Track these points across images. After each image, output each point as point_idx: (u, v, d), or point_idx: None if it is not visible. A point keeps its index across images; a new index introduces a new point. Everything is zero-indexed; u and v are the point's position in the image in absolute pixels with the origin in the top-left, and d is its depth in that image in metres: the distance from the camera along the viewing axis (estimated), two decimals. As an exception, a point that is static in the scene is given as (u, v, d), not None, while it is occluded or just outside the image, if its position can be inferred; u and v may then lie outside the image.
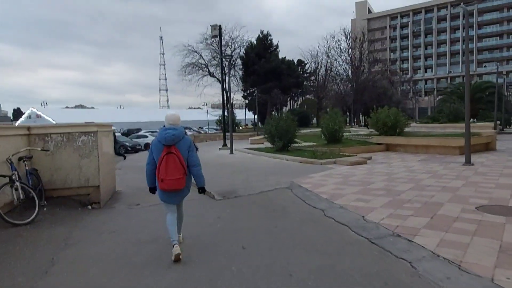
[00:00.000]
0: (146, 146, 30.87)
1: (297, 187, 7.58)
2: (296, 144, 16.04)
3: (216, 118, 37.39)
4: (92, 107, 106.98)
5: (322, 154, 12.98)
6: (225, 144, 19.93)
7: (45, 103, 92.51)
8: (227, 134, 19.16)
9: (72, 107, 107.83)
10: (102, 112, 70.81)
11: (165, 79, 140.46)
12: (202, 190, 4.16)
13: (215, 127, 49.20)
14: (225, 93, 22.76)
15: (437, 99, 40.16)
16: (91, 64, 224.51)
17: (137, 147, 28.25)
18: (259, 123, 46.49)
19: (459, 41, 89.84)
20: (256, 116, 47.93)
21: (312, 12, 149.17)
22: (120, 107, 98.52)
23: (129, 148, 27.66)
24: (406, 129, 17.19)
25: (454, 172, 8.85)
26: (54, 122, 53.59)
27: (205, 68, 40.67)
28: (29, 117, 56.00)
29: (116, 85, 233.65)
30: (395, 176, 8.48)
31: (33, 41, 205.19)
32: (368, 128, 28.33)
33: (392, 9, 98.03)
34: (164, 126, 4.03)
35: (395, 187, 7.18)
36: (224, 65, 22.46)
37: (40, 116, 54.76)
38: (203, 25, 39.59)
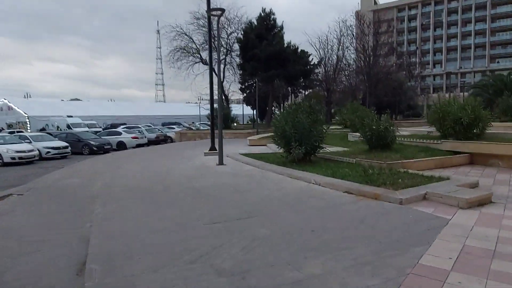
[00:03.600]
0: (120, 145, 24.91)
1: None
2: (321, 150, 10.11)
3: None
4: (88, 101, 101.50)
5: (379, 174, 7.25)
6: (213, 148, 14.00)
7: (28, 95, 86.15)
8: (216, 132, 13.17)
9: (67, 101, 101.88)
10: (92, 105, 65.52)
11: (162, 74, 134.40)
12: None
13: (208, 122, 43.30)
14: (215, 75, 16.75)
15: (469, 92, 34.62)
16: (86, 58, 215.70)
17: (105, 147, 22.08)
18: (258, 119, 40.47)
19: (471, 35, 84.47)
20: (255, 111, 41.85)
21: (315, 7, 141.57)
22: (112, 100, 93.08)
23: (94, 148, 21.63)
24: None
25: None
26: (26, 115, 47.74)
27: (196, 54, 34.79)
28: (1, 109, 50.01)
29: (112, 79, 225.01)
30: None
31: (28, 33, 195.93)
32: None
33: (400, 0, 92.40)
34: None
35: None
36: (214, 42, 16.38)
37: (12, 108, 48.72)
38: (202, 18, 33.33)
